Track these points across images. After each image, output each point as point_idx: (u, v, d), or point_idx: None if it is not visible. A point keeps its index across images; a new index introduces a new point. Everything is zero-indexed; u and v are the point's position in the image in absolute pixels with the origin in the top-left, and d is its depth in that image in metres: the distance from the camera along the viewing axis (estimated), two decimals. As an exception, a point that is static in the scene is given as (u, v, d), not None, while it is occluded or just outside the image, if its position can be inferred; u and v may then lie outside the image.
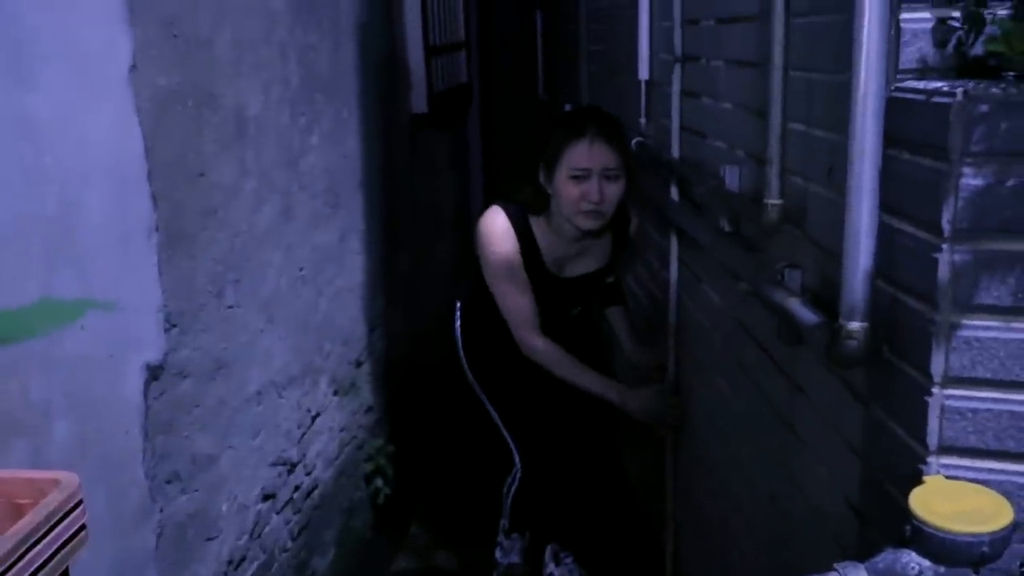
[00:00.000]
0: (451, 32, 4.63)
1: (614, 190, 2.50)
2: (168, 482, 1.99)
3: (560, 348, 2.63)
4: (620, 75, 3.34)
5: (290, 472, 2.65)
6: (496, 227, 2.58)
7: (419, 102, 4.01)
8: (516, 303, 2.61)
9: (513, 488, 2.96)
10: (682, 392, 2.67)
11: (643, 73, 2.91)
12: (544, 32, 6.17)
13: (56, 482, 1.29)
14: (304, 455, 2.75)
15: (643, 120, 2.94)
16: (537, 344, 2.62)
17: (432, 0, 4.18)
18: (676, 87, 2.51)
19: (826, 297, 1.43)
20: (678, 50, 2.48)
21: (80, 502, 1.29)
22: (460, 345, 2.87)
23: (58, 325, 1.64)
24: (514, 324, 2.63)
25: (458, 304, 2.88)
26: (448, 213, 5.02)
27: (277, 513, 2.56)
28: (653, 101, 2.89)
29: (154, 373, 1.92)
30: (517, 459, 2.90)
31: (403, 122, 3.91)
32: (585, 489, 2.96)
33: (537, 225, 2.60)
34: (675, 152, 2.54)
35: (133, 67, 1.83)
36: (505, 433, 2.87)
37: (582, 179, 2.46)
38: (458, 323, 2.87)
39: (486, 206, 2.69)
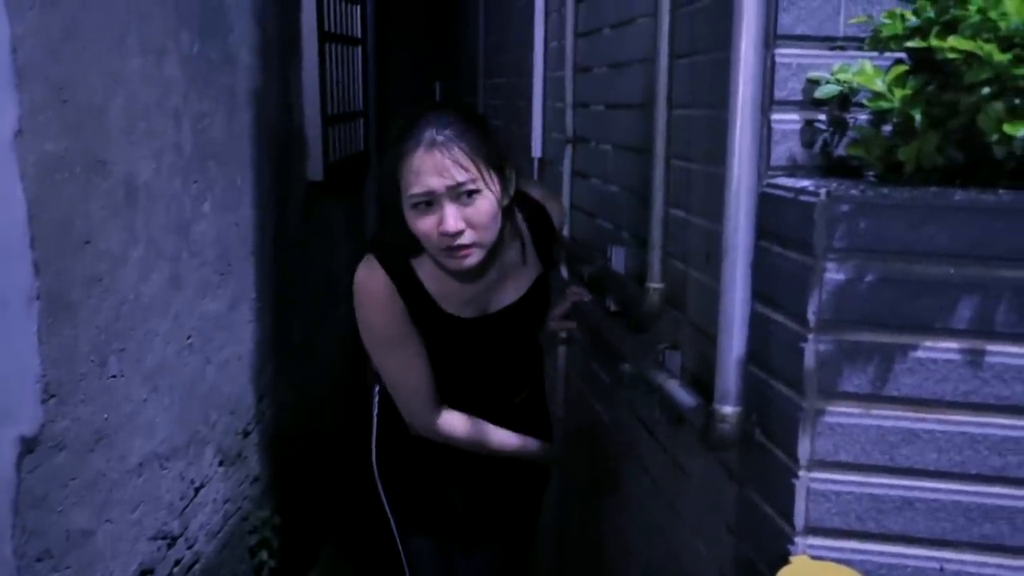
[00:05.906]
0: (349, 101, 4.66)
1: (479, 210, 1.78)
2: (38, 560, 1.91)
3: (465, 415, 2.06)
4: (514, 151, 3.42)
5: (170, 546, 2.57)
6: (371, 288, 1.94)
7: (315, 170, 4.01)
8: (406, 378, 2.00)
9: None
10: (570, 466, 2.70)
11: (536, 151, 3.00)
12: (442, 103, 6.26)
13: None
14: (186, 528, 2.68)
15: (536, 197, 3.00)
16: (436, 418, 2.03)
17: (330, 69, 4.21)
18: (567, 167, 2.59)
19: (706, 379, 1.48)
20: (570, 131, 2.56)
21: (-58, 585, 1.24)
22: (374, 441, 2.25)
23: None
24: (406, 405, 2.04)
25: (376, 389, 2.24)
26: (344, 280, 4.96)
27: (155, 589, 2.48)
28: (545, 179, 2.97)
29: (28, 446, 1.85)
30: None
31: (298, 190, 3.90)
32: None
33: (423, 269, 1.94)
34: (565, 230, 2.61)
35: (19, 132, 1.80)
36: (404, 562, 2.26)
37: (428, 207, 1.78)
38: (376, 411, 2.25)
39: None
